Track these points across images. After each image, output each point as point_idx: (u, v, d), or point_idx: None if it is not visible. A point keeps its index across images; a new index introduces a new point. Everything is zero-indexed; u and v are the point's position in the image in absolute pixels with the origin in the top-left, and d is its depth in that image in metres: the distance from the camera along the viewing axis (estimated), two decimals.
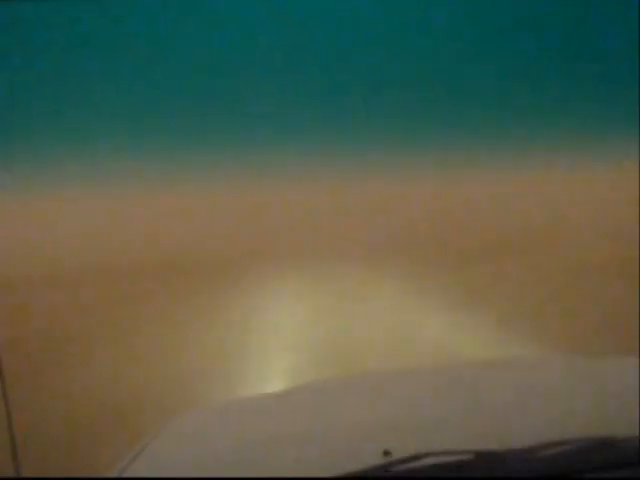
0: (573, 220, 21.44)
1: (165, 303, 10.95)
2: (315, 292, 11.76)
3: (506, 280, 11.49)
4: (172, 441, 1.68)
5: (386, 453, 1.31)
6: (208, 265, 15.83)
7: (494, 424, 1.46)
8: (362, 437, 1.48)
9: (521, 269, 12.87)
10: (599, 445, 1.17)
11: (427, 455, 1.15)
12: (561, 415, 1.47)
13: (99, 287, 13.14)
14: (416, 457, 1.15)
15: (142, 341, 8.09)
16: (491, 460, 1.15)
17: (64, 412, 5.37)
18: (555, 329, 7.49)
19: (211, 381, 6.18)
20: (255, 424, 1.72)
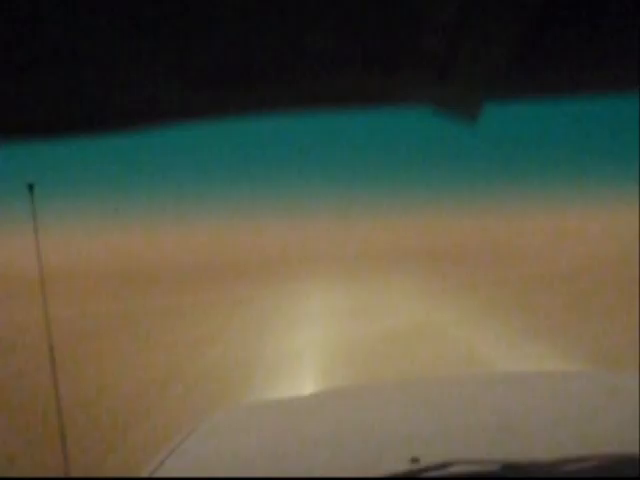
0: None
1: (202, 311, 11.10)
2: (342, 304, 11.84)
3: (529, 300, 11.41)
4: (203, 439, 1.71)
5: (414, 460, 1.33)
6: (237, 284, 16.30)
7: (522, 436, 1.47)
8: (390, 443, 1.50)
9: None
10: (625, 461, 1.18)
11: (454, 463, 1.17)
12: (588, 430, 1.48)
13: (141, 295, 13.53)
14: (444, 465, 1.17)
15: (180, 343, 8.22)
16: (517, 471, 1.17)
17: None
18: (579, 346, 7.36)
19: (243, 383, 6.27)
20: (283, 426, 1.75)
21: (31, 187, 2.56)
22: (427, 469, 1.19)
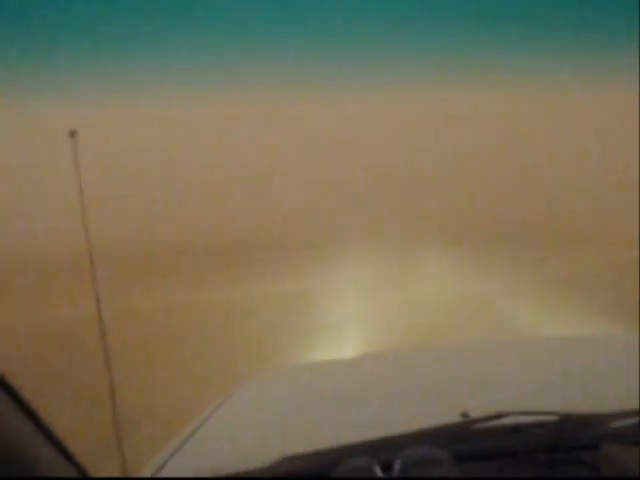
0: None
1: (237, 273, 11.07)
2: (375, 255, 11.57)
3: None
4: (248, 399, 1.74)
5: (464, 415, 1.31)
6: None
7: (570, 393, 1.44)
8: (438, 400, 1.48)
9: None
10: None
11: (508, 414, 1.14)
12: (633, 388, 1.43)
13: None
14: (497, 416, 1.14)
15: (220, 308, 8.32)
16: (576, 422, 1.13)
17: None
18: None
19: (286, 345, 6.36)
20: (333, 385, 1.76)
21: (73, 134, 2.53)
22: (480, 420, 1.16)
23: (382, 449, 1.12)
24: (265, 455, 1.16)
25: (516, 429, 1.14)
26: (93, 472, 1.00)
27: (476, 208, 13.39)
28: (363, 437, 1.15)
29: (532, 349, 1.96)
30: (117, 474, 2.52)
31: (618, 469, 1.04)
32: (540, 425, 1.13)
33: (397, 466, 1.06)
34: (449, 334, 6.45)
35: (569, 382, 1.54)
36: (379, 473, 1.06)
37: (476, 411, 1.29)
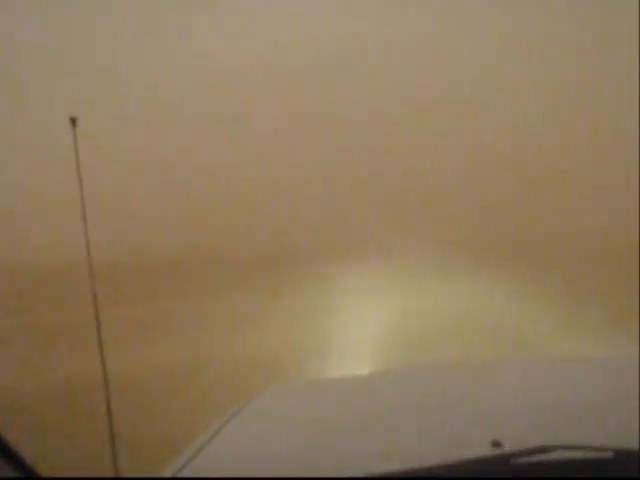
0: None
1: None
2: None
3: None
4: (256, 414, 1.66)
5: (495, 444, 1.17)
6: None
7: (602, 421, 1.30)
8: (463, 426, 1.36)
9: None
10: None
11: (555, 448, 1.00)
12: None
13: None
14: (542, 449, 1.00)
15: (233, 326, 8.25)
16: (635, 460, 0.98)
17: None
18: None
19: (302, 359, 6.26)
20: (349, 401, 1.68)
21: (74, 121, 2.50)
22: (522, 453, 1.01)
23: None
24: (276, 467, 1.10)
25: (564, 466, 0.99)
26: None
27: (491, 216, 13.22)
28: (379, 454, 1.07)
29: (556, 370, 1.84)
30: None
31: None
32: (592, 462, 0.99)
33: None
34: (459, 348, 6.31)
35: (605, 407, 1.40)
36: None
37: (509, 438, 1.16)
